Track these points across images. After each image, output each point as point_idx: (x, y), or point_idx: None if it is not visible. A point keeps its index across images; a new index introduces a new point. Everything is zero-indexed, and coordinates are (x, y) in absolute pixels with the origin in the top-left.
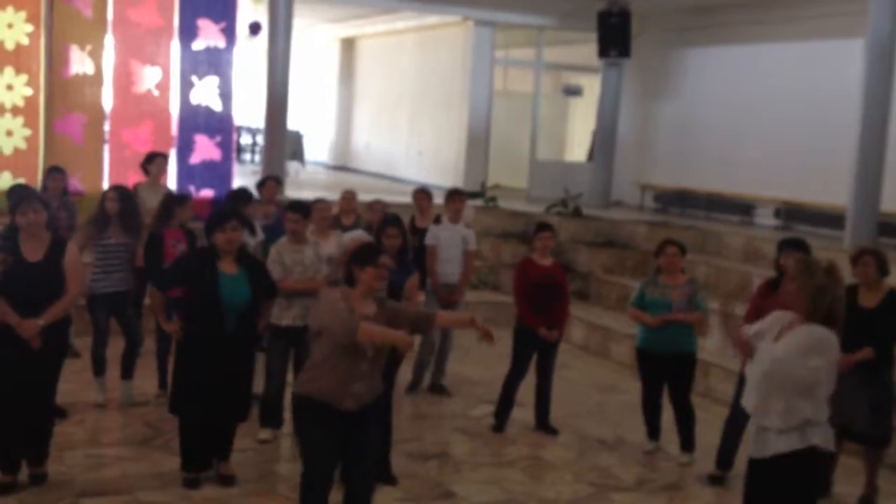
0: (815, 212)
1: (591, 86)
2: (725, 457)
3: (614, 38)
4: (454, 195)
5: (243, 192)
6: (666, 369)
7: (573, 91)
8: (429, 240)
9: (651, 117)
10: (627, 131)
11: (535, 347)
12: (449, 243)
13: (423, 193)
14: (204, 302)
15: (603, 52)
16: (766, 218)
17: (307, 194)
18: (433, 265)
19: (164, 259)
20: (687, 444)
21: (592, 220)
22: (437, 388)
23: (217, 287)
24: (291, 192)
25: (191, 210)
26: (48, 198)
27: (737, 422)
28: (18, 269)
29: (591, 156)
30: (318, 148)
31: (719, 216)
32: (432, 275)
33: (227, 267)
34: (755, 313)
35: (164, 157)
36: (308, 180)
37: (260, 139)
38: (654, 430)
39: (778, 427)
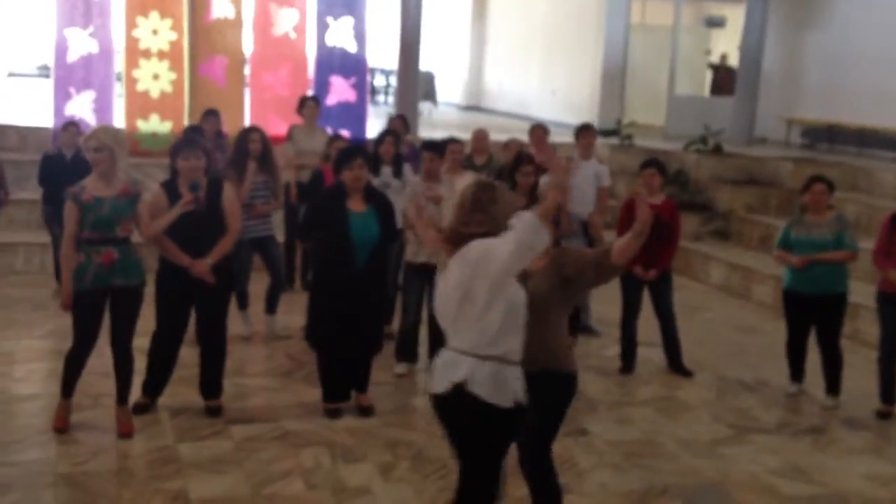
0: None
1: (735, 16)
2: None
3: None
4: (584, 130)
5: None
6: (814, 311)
7: (715, 22)
8: None
9: (799, 48)
10: (773, 63)
11: (640, 286)
12: (581, 180)
13: (539, 128)
14: (335, 240)
15: None
16: None
17: (439, 134)
18: (566, 202)
19: None
20: (833, 387)
21: (734, 157)
22: (586, 329)
23: (347, 226)
24: (424, 132)
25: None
26: (203, 140)
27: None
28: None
29: (713, 90)
30: (450, 88)
31: (872, 152)
32: (563, 213)
33: (356, 205)
34: (885, 249)
35: (315, 100)
36: (440, 120)
37: (393, 80)
38: (797, 373)
39: None
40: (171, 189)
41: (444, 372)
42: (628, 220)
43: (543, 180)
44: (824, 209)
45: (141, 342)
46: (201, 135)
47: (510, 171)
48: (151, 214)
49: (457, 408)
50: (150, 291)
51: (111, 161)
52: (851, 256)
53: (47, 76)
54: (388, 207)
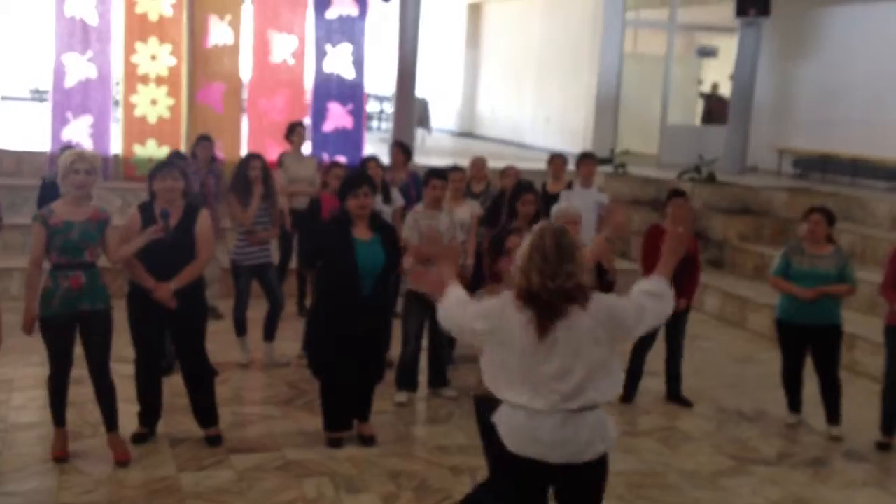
0: None
1: (727, 47)
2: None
3: None
4: (585, 158)
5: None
6: (809, 341)
7: (707, 52)
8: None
9: (791, 78)
10: (765, 93)
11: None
12: (583, 209)
13: (560, 158)
14: (341, 268)
15: (741, 11)
16: None
17: (434, 161)
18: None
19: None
20: (833, 417)
21: (727, 187)
22: None
23: (353, 254)
24: (418, 159)
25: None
26: (197, 165)
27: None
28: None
29: (704, 119)
30: (443, 115)
31: (865, 182)
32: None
33: (361, 233)
34: (892, 282)
35: (303, 125)
36: (434, 147)
37: (387, 107)
38: (795, 403)
39: None
40: (146, 212)
41: (593, 435)
42: (652, 247)
43: (555, 209)
44: (821, 239)
45: (127, 369)
46: (184, 160)
47: (510, 199)
48: (125, 237)
49: (601, 470)
50: (125, 317)
51: (93, 186)
52: (853, 291)
53: (41, 100)
54: (393, 235)
